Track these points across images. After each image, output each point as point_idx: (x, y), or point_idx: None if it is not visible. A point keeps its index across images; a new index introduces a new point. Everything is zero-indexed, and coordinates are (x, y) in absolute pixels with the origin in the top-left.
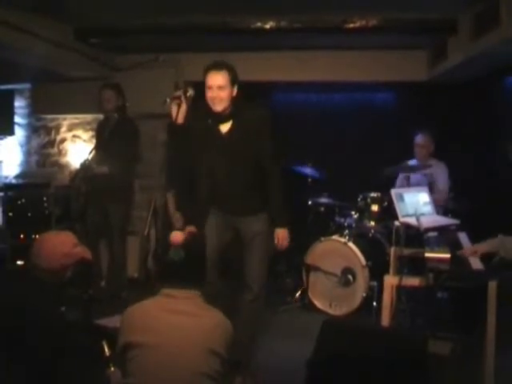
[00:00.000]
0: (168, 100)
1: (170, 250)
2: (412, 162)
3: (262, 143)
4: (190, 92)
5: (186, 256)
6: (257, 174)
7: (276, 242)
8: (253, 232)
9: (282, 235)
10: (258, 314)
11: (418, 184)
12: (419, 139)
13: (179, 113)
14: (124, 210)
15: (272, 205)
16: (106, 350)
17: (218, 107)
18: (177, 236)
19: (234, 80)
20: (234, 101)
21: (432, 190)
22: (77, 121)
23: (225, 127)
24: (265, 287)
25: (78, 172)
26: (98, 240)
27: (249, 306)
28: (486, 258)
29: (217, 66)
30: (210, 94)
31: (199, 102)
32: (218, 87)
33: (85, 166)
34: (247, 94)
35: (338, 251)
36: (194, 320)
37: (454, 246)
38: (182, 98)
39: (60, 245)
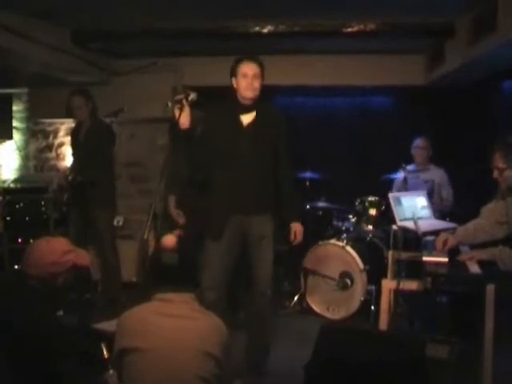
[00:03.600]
0: (169, 104)
1: (163, 254)
2: (410, 167)
3: (282, 142)
4: (192, 96)
5: (179, 260)
6: (269, 170)
7: (292, 237)
8: (260, 234)
9: (298, 229)
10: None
11: (415, 189)
12: (419, 142)
13: (182, 117)
14: (110, 214)
15: (287, 200)
16: (105, 352)
17: (252, 94)
18: (170, 240)
19: (263, 74)
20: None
21: (432, 197)
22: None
23: (247, 119)
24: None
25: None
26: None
27: (263, 310)
28: (483, 263)
29: (252, 57)
30: (244, 82)
31: (204, 105)
32: (253, 75)
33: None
34: None
35: (336, 255)
36: (190, 323)
37: (452, 250)
38: (184, 102)
39: (49, 253)
